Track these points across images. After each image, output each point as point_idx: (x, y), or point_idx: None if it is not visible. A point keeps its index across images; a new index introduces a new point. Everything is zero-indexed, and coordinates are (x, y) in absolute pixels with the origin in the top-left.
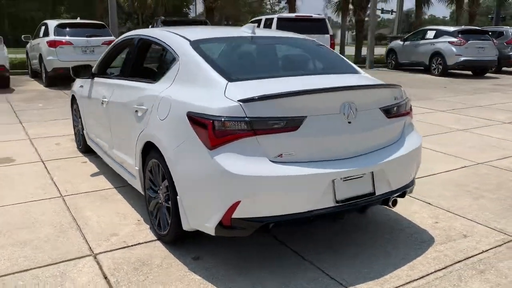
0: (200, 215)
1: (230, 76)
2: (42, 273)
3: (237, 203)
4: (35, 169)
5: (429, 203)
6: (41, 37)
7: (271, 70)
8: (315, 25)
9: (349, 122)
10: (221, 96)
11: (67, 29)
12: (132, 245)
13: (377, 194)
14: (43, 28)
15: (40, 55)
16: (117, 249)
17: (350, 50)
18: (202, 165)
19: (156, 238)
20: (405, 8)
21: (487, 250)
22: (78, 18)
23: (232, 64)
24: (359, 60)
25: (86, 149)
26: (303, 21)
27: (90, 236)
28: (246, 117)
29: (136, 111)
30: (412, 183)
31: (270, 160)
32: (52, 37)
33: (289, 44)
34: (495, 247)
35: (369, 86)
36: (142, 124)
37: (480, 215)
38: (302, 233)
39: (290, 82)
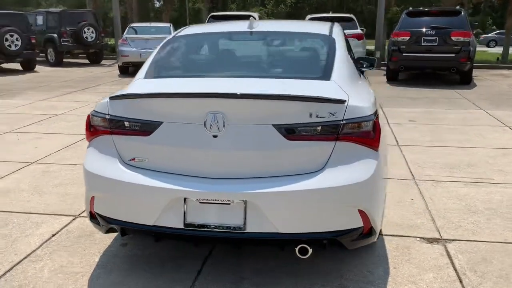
0: None
1: (152, 72)
2: (33, 218)
3: (93, 198)
4: None
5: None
6: None
7: (204, 70)
8: None
9: (215, 136)
10: (121, 92)
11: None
12: None
13: (248, 230)
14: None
15: None
16: None
17: None
18: None
19: None
20: None
21: None
22: (330, 11)
23: (172, 61)
24: None
25: None
26: None
27: None
28: (108, 114)
29: None
30: (340, 233)
31: (124, 162)
32: None
33: (276, 42)
34: None
35: (256, 96)
36: None
37: None
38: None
39: (200, 83)
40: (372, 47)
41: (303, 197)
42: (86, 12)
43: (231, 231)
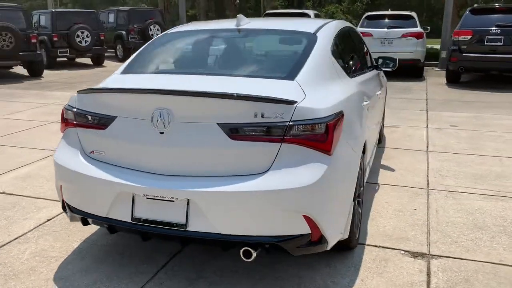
0: None
1: (129, 68)
2: (38, 203)
3: (61, 186)
4: None
5: None
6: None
7: (175, 67)
8: None
9: (161, 133)
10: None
11: (374, 20)
12: None
13: (190, 229)
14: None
15: None
16: None
17: None
18: None
19: None
20: None
21: None
22: (389, 9)
23: (151, 57)
24: None
25: None
26: None
27: None
28: (74, 108)
29: None
30: (283, 238)
31: (85, 155)
32: (357, 28)
33: (257, 40)
34: None
35: (202, 94)
36: None
37: None
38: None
39: (158, 79)
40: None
41: (243, 198)
42: (154, 10)
43: (174, 228)
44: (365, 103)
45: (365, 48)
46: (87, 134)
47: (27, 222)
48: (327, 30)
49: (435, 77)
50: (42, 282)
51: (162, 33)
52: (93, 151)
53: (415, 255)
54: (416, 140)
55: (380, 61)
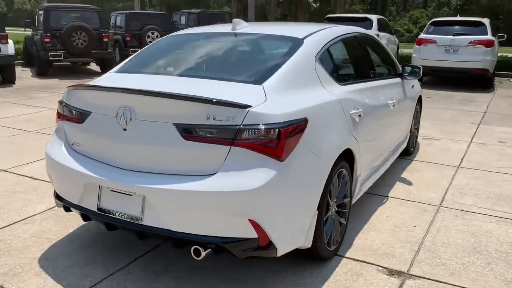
0: None
1: (123, 68)
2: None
3: (51, 174)
4: None
5: None
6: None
7: (159, 67)
8: None
9: (125, 129)
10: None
11: (441, 26)
12: None
13: (144, 223)
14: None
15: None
16: None
17: None
18: None
19: None
20: None
21: None
22: (458, 15)
23: (145, 58)
24: None
25: None
26: None
27: None
28: (63, 102)
29: None
30: (228, 240)
31: (69, 146)
32: (421, 34)
33: (245, 44)
34: None
35: (159, 94)
36: None
37: None
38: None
39: (134, 79)
40: None
41: (189, 198)
42: (223, 13)
43: (130, 221)
44: (354, 111)
45: (384, 56)
46: (70, 127)
47: (39, 205)
48: (319, 36)
49: (507, 89)
50: (28, 260)
51: (165, 36)
52: (73, 143)
53: (392, 272)
54: (451, 155)
55: (409, 69)
